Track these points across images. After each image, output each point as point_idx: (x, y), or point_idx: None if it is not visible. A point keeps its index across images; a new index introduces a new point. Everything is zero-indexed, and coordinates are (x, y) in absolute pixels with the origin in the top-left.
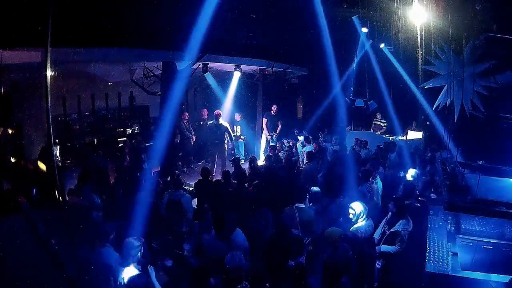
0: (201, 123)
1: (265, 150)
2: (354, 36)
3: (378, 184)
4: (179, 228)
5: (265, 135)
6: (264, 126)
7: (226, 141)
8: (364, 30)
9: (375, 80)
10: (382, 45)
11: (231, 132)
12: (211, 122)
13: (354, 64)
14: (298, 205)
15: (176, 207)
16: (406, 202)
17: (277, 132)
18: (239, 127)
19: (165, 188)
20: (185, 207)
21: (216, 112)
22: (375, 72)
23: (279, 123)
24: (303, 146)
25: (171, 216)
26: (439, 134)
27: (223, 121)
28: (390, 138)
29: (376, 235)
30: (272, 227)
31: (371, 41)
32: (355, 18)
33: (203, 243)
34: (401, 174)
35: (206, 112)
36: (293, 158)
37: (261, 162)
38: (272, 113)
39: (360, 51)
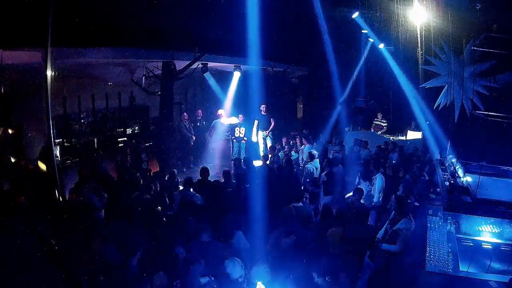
0: (197, 124)
1: (264, 150)
2: (354, 36)
3: (378, 182)
4: (188, 228)
5: (260, 136)
6: (254, 128)
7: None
8: (364, 31)
9: (375, 80)
10: (381, 45)
11: (233, 121)
12: (216, 121)
13: (361, 64)
14: (295, 204)
15: (192, 207)
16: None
17: (269, 129)
18: (243, 128)
19: (164, 188)
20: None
21: (218, 112)
22: (375, 72)
23: (271, 121)
24: (300, 145)
25: (184, 216)
26: (439, 134)
27: (225, 120)
28: (391, 138)
29: (379, 235)
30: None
31: (371, 41)
32: (357, 18)
33: (202, 243)
34: (401, 174)
35: (201, 113)
36: (291, 157)
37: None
38: (262, 112)
39: (361, 51)
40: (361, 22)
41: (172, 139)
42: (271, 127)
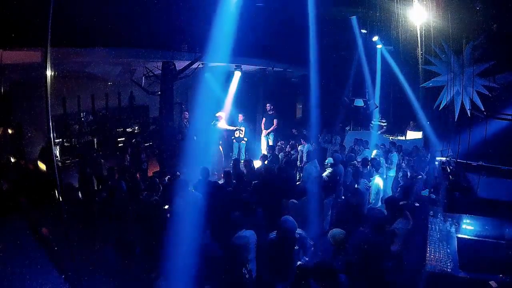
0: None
1: (267, 150)
2: (353, 36)
3: (375, 183)
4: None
5: (263, 134)
6: (262, 125)
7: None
8: (364, 31)
9: (375, 80)
10: (375, 38)
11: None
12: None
13: (354, 63)
14: (292, 200)
15: (193, 208)
16: (402, 202)
17: (270, 129)
18: (242, 128)
19: (166, 188)
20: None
21: (217, 114)
22: (375, 72)
23: (274, 121)
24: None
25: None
26: (439, 134)
27: (223, 125)
28: (390, 138)
29: None
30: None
31: (371, 40)
32: (353, 19)
33: (201, 244)
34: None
35: (187, 114)
36: (292, 157)
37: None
38: (268, 112)
39: (360, 51)
40: (356, 24)
41: (174, 139)
42: (272, 127)
